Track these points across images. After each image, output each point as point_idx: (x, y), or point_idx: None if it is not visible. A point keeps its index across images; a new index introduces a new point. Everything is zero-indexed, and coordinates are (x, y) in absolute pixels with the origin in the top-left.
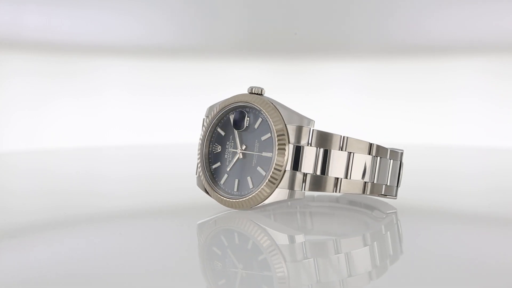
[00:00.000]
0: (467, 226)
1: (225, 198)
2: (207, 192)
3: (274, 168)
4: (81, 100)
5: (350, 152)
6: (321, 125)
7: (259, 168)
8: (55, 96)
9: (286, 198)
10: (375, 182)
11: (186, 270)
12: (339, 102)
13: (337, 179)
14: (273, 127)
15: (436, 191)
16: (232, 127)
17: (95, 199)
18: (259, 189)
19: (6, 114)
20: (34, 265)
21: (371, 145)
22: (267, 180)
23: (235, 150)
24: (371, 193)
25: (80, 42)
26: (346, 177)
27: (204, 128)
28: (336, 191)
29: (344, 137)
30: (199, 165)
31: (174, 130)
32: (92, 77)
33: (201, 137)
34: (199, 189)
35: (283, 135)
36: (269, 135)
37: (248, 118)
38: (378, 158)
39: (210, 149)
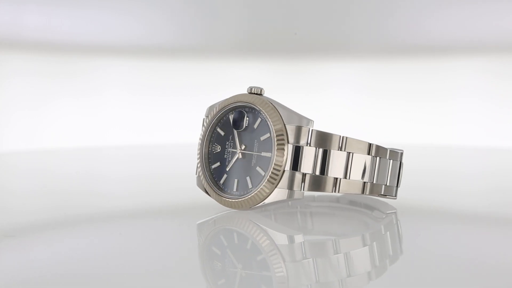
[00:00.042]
0: (467, 226)
1: (224, 198)
2: (207, 192)
3: (273, 168)
4: (81, 100)
5: (350, 152)
6: (321, 125)
7: (258, 168)
8: (55, 96)
9: (285, 198)
10: (374, 182)
11: (186, 270)
12: (339, 102)
13: (336, 179)
14: (272, 127)
15: (436, 191)
16: (232, 127)
17: (95, 199)
18: (258, 189)
19: (6, 114)
20: (34, 265)
21: (370, 145)
22: (266, 180)
23: (235, 150)
24: (371, 193)
25: (80, 42)
26: (345, 177)
27: (204, 128)
28: (335, 191)
29: (343, 137)
30: (198, 165)
31: (174, 130)
32: (92, 77)
33: (201, 137)
34: (199, 189)
35: (282, 135)
36: (268, 135)
37: (247, 118)
38: (378, 158)
39: (209, 149)
